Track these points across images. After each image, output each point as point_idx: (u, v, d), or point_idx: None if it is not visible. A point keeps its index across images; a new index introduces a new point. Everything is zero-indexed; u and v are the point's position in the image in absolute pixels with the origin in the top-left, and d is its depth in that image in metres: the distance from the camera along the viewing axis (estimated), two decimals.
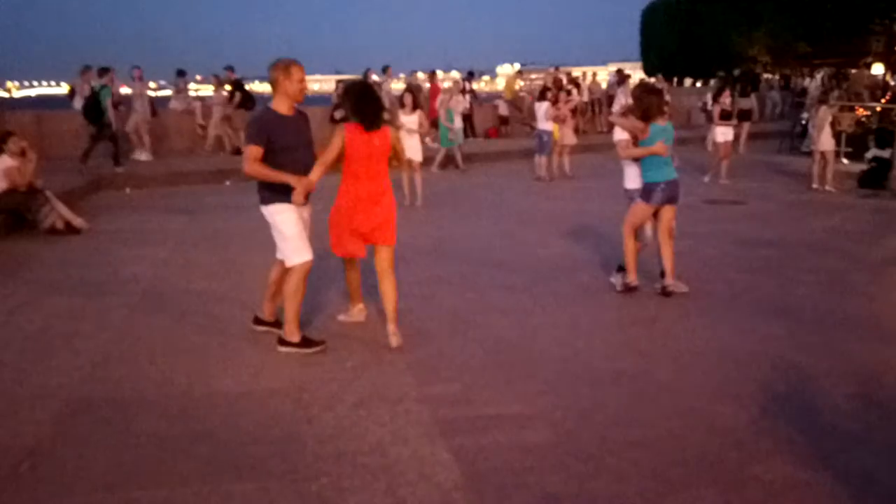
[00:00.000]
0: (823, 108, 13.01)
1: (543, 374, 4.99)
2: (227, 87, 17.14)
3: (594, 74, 24.22)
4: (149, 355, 5.42)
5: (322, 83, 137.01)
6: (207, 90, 19.05)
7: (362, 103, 5.38)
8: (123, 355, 5.42)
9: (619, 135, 6.86)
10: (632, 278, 6.91)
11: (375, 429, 4.23)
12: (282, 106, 5.25)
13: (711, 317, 6.20)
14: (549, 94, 14.62)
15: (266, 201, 5.31)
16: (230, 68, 17.45)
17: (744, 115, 18.99)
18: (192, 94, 19.72)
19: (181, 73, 18.94)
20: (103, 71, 15.34)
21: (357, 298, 6.12)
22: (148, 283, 7.40)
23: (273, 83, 5.21)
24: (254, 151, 5.08)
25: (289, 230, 5.28)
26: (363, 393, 4.71)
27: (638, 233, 6.93)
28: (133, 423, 4.34)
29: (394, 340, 5.47)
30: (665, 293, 6.75)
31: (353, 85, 5.83)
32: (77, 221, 9.87)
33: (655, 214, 6.85)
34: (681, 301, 6.63)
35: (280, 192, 5.20)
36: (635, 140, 6.73)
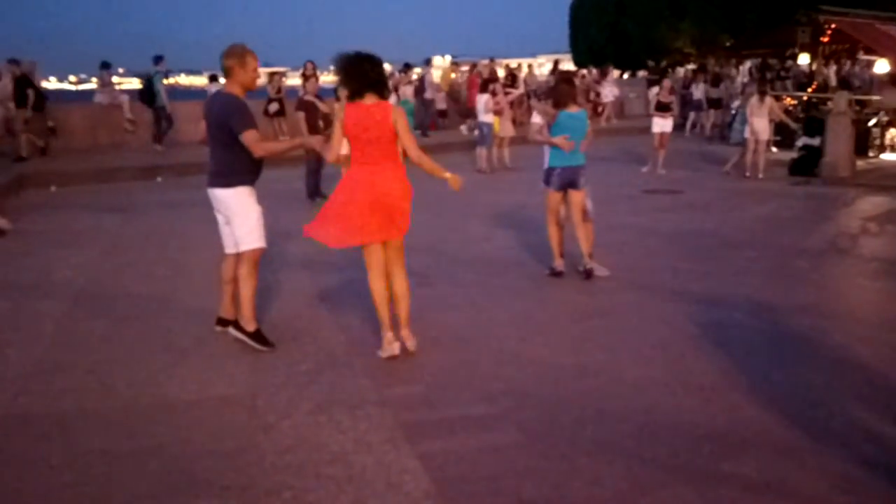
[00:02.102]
0: (769, 98, 13.30)
1: (505, 372, 4.88)
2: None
3: (530, 66, 24.27)
4: (88, 364, 5.10)
5: None
6: (130, 83, 18.51)
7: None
8: (60, 365, 5.09)
9: (535, 118, 7.29)
10: (557, 263, 7.12)
11: (337, 436, 4.04)
12: (237, 93, 5.17)
13: (664, 307, 6.19)
14: (491, 87, 14.56)
15: (229, 184, 5.18)
16: (14, 61, 15.59)
17: (714, 104, 19.91)
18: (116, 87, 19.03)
19: (105, 66, 18.20)
20: (158, 59, 16.88)
21: (386, 325, 5.19)
22: (82, 286, 7.02)
23: (227, 71, 5.13)
24: (256, 134, 5.08)
25: (254, 212, 5.25)
26: (320, 398, 4.52)
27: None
28: (76, 439, 4.06)
29: (410, 345, 5.19)
30: (587, 274, 6.99)
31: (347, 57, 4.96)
32: (1, 222, 9.35)
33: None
34: (632, 292, 6.62)
35: (245, 174, 5.23)
36: (551, 125, 7.02)
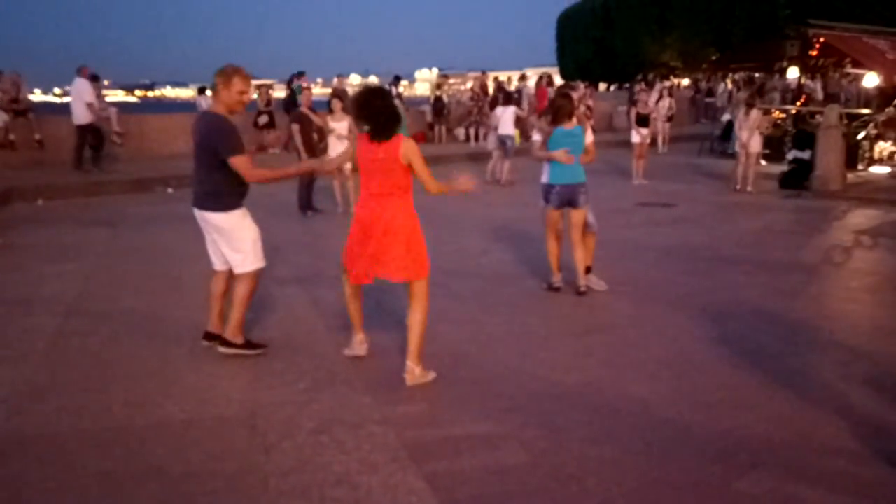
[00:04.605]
0: (755, 111, 13.35)
1: (507, 389, 4.81)
2: None
3: (515, 78, 24.33)
4: (81, 383, 4.99)
5: None
6: (116, 96, 18.42)
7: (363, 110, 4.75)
8: (53, 384, 4.97)
9: (535, 135, 7.19)
10: (555, 278, 7.12)
11: (340, 457, 3.96)
12: (223, 113, 5.07)
13: (664, 322, 6.15)
14: (515, 100, 14.61)
15: (222, 207, 5.13)
16: None
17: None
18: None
19: (94, 78, 18.01)
20: (300, 74, 19.66)
21: (357, 328, 5.36)
22: (72, 301, 6.90)
23: (213, 89, 5.07)
24: (246, 159, 4.99)
25: (252, 235, 5.25)
26: (321, 417, 4.43)
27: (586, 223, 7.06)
28: (72, 461, 3.95)
29: (408, 378, 4.90)
30: (579, 293, 6.93)
31: (359, 92, 4.90)
32: None
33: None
34: (631, 306, 6.58)
35: (236, 196, 5.18)
36: (546, 141, 6.96)
